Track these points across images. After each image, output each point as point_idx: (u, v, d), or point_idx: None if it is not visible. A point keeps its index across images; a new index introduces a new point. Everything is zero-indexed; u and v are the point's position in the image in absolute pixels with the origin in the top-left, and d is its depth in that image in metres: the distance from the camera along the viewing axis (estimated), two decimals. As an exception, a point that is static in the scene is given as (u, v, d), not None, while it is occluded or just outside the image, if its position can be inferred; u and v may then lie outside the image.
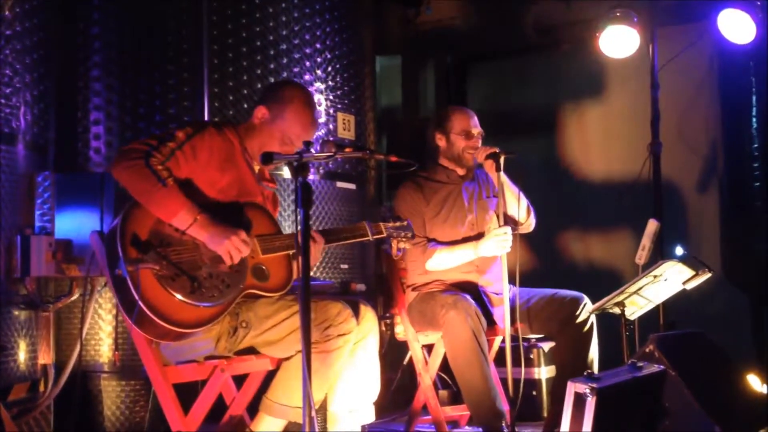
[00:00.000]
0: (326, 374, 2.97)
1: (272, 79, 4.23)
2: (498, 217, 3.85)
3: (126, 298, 2.76)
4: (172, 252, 2.82)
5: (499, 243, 3.74)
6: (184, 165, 2.93)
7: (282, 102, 3.13)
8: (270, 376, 3.14)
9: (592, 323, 3.80)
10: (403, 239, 3.34)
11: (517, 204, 3.89)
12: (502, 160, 3.74)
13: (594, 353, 3.79)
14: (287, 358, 3.05)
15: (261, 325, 3.00)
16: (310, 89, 4.36)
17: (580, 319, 3.78)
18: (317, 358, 2.85)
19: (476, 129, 4.02)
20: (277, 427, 3.04)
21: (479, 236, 3.97)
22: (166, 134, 2.95)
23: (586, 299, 3.83)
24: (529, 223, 4.03)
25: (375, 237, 3.27)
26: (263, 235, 3.03)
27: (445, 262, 3.92)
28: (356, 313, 3.09)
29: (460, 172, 4.07)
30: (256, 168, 3.20)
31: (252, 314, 3.01)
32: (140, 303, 2.70)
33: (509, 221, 3.88)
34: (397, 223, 3.35)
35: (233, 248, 2.86)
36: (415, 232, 3.84)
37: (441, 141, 4.06)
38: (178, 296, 2.77)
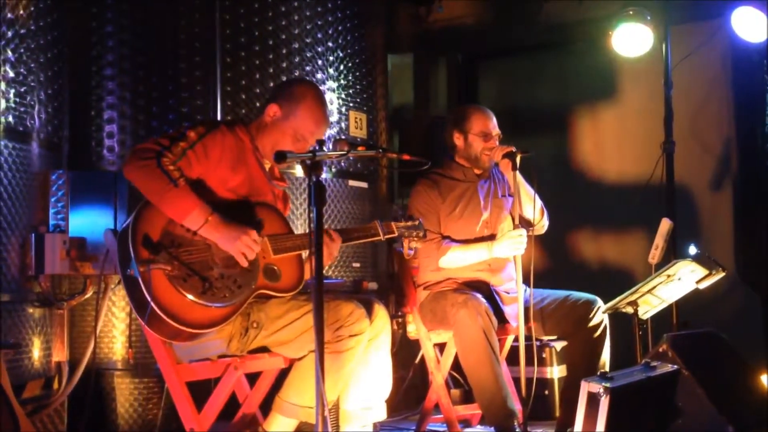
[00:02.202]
0: (338, 375, 2.97)
1: (284, 78, 4.24)
2: (513, 216, 3.85)
3: (138, 299, 2.76)
4: (184, 252, 2.83)
5: (513, 244, 3.74)
6: (196, 164, 2.93)
7: (294, 99, 3.12)
8: (283, 375, 3.15)
9: (605, 326, 3.79)
10: (415, 239, 3.33)
11: (532, 205, 3.89)
12: (518, 159, 3.73)
13: (606, 356, 3.78)
14: (300, 358, 3.05)
15: (272, 325, 3.00)
16: (321, 88, 4.36)
17: (593, 323, 3.77)
18: (329, 358, 2.85)
19: (495, 130, 4.01)
20: (290, 426, 3.04)
21: (493, 235, 3.97)
22: (177, 134, 2.95)
23: (600, 302, 3.82)
24: (542, 225, 4.02)
25: (386, 237, 3.26)
26: (275, 235, 3.03)
27: (458, 261, 3.92)
28: (369, 311, 3.09)
29: (477, 170, 4.07)
30: (267, 166, 3.20)
31: (263, 315, 3.01)
32: (152, 303, 2.71)
33: (523, 222, 3.87)
34: (409, 223, 3.34)
35: (245, 248, 2.85)
36: (429, 229, 3.85)
37: (459, 140, 4.05)
38: (190, 297, 2.77)
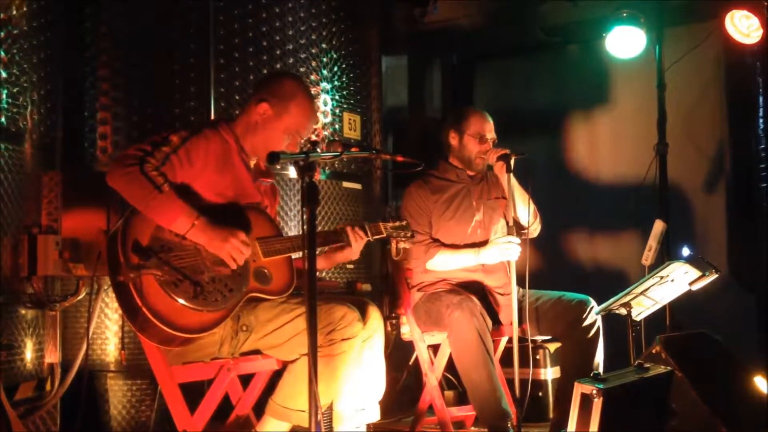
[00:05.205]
0: (331, 378, 2.95)
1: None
2: (506, 220, 3.85)
3: (129, 305, 2.74)
4: (174, 257, 2.80)
5: (501, 251, 3.76)
6: (179, 169, 2.90)
7: (284, 97, 3.10)
8: (276, 376, 3.14)
9: (598, 327, 3.79)
10: (403, 239, 3.33)
11: (526, 207, 3.89)
12: (512, 161, 3.74)
13: (600, 357, 3.78)
14: (292, 361, 3.04)
15: (262, 328, 3.00)
16: (316, 89, 4.37)
17: (586, 323, 3.77)
18: (321, 362, 2.81)
19: (491, 134, 4.02)
20: (283, 429, 3.03)
21: (486, 236, 3.98)
22: (160, 138, 2.92)
23: (593, 303, 3.82)
24: (535, 228, 4.03)
25: (374, 237, 3.26)
26: (264, 237, 3.02)
27: (445, 264, 3.93)
28: (363, 312, 3.09)
29: (470, 172, 4.07)
30: (252, 163, 3.17)
31: (253, 318, 3.00)
32: (143, 309, 2.69)
33: (516, 225, 3.87)
34: (397, 223, 3.34)
35: (234, 250, 2.84)
36: (419, 231, 3.86)
37: (454, 140, 4.06)
38: (181, 301, 2.75)
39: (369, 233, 3.22)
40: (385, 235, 3.28)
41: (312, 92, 3.24)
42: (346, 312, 2.98)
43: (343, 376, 3.01)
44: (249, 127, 3.11)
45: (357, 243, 3.18)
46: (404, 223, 3.35)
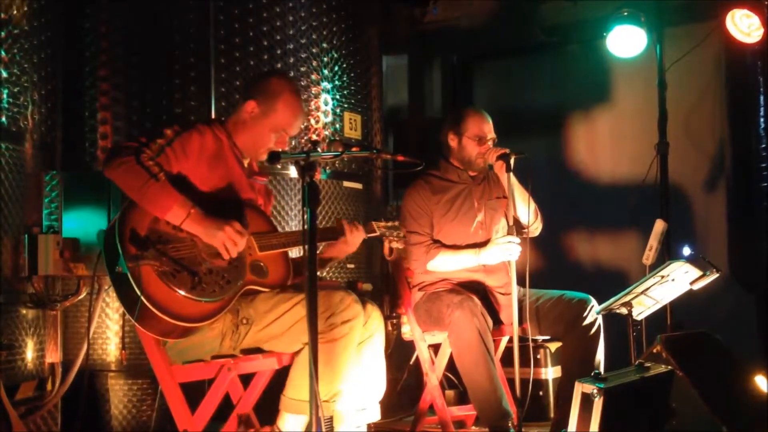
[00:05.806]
0: (335, 364, 2.94)
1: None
2: (507, 219, 3.85)
3: (128, 296, 2.75)
4: (171, 248, 2.82)
5: (501, 251, 3.76)
6: (174, 162, 2.92)
7: (271, 95, 3.13)
8: (277, 376, 3.14)
9: (599, 325, 3.79)
10: (395, 239, 3.35)
11: (526, 206, 3.88)
12: (512, 161, 3.73)
13: (600, 356, 3.78)
14: (298, 352, 3.03)
15: (262, 320, 3.00)
16: (316, 89, 4.37)
17: (586, 321, 3.77)
18: (324, 348, 2.82)
19: (490, 134, 4.00)
20: (301, 422, 3.01)
21: (487, 236, 3.98)
22: (155, 133, 2.95)
23: (593, 301, 3.82)
24: (536, 227, 4.02)
25: (368, 236, 3.28)
26: (259, 233, 3.04)
27: (446, 265, 3.92)
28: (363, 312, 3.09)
29: (471, 172, 4.07)
30: (246, 162, 3.20)
31: (252, 310, 3.00)
32: (142, 299, 2.70)
33: (516, 224, 3.87)
34: (389, 223, 3.37)
35: (228, 239, 2.85)
36: (420, 231, 3.86)
37: (453, 141, 4.05)
38: (180, 291, 2.77)
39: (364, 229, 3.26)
40: (378, 233, 3.31)
41: (301, 91, 3.27)
42: (343, 296, 2.99)
43: (348, 360, 2.99)
44: (238, 126, 3.15)
45: (353, 235, 3.21)
46: (396, 223, 3.38)
